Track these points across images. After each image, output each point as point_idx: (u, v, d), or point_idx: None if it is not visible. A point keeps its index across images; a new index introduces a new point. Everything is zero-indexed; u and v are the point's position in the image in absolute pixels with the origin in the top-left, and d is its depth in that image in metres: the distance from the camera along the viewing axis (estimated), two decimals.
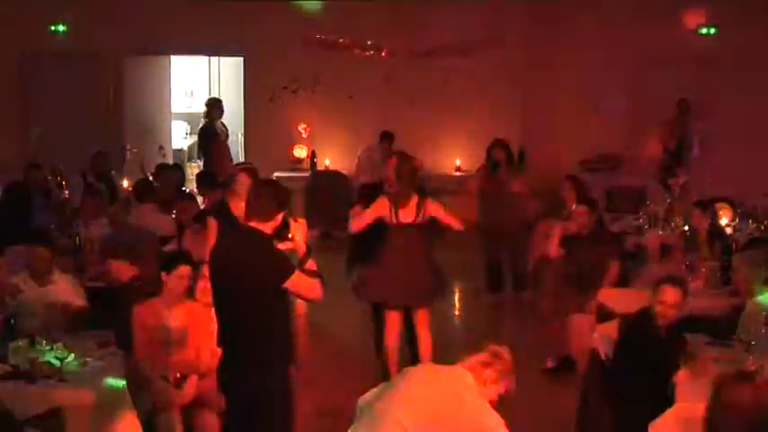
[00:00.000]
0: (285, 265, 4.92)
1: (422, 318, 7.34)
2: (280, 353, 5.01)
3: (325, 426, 6.83)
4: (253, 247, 4.92)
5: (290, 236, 5.13)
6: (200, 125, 13.22)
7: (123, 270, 7.00)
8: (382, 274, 7.24)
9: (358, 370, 7.89)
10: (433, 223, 7.25)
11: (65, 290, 6.50)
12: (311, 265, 5.10)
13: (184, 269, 5.83)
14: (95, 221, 8.62)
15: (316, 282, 5.06)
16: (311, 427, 6.62)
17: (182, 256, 6.06)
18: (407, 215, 7.13)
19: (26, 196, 9.09)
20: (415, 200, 7.14)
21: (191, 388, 5.72)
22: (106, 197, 9.72)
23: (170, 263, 5.91)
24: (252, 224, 4.94)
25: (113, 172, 11.00)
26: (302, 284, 4.98)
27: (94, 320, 6.41)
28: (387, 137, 12.22)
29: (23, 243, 7.66)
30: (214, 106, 12.98)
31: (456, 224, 7.21)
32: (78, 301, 6.50)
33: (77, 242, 7.97)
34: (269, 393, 4.90)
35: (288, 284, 4.89)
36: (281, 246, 5.08)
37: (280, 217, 4.99)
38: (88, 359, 5.54)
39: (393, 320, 7.33)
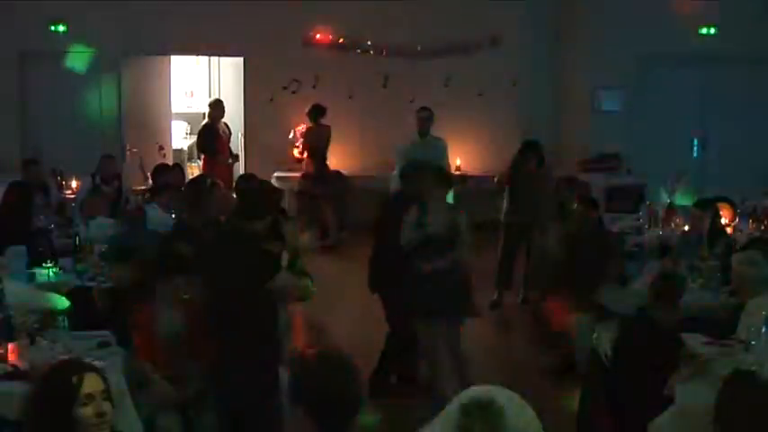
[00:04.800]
0: (273, 265, 4.93)
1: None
2: (269, 352, 5.03)
3: None
4: (241, 248, 4.93)
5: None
6: (202, 124, 13.26)
7: (123, 273, 6.99)
8: None
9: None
10: None
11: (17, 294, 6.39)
12: (301, 265, 5.12)
13: (178, 279, 5.69)
14: (95, 221, 8.63)
15: (304, 282, 5.07)
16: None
17: (175, 265, 5.84)
18: None
19: (27, 196, 9.08)
20: None
21: (193, 387, 5.71)
22: (106, 199, 9.71)
23: (164, 271, 5.78)
24: (242, 225, 4.96)
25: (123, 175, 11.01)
26: (290, 284, 4.99)
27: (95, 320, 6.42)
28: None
29: (24, 243, 7.68)
30: (215, 107, 13.03)
31: None
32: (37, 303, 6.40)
33: (77, 242, 7.96)
34: (258, 392, 4.91)
35: (275, 284, 4.90)
36: (273, 246, 5.11)
37: (270, 218, 5.01)
38: (88, 359, 5.52)
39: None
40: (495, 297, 10.00)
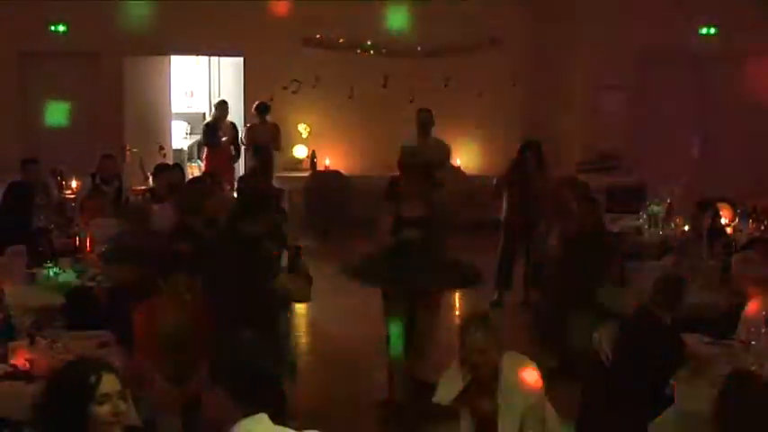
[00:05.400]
0: (273, 265, 4.95)
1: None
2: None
3: (326, 425, 6.82)
4: (241, 248, 4.94)
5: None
6: (205, 122, 13.43)
7: (124, 274, 7.01)
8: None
9: (357, 369, 7.89)
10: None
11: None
12: (301, 265, 5.13)
13: (179, 277, 5.70)
14: (95, 221, 8.63)
15: (303, 282, 5.09)
16: (312, 427, 6.60)
17: (178, 264, 5.83)
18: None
19: (28, 196, 9.08)
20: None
21: (193, 387, 5.71)
22: (106, 199, 9.70)
23: (166, 270, 5.78)
24: (242, 225, 4.97)
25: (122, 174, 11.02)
26: (289, 285, 5.00)
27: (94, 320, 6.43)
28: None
29: (24, 243, 7.68)
30: (217, 107, 13.29)
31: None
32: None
33: (77, 242, 7.96)
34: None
35: (275, 285, 4.92)
36: (273, 246, 5.12)
37: (270, 218, 5.02)
38: None
39: None
40: (495, 297, 10.00)
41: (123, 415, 3.54)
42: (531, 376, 4.76)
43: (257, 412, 3.17)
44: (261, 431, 3.26)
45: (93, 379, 3.48)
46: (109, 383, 3.51)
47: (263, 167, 12.80)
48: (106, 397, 3.49)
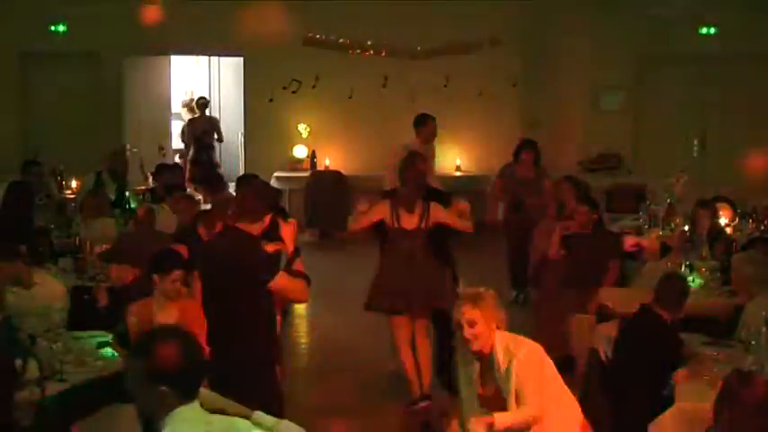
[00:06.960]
0: (270, 265, 4.94)
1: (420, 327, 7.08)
2: (265, 352, 5.03)
3: (326, 425, 6.84)
4: (239, 248, 4.93)
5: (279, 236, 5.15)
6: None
7: (124, 274, 7.00)
8: (383, 281, 7.06)
9: (358, 369, 7.89)
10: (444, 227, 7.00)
11: (49, 291, 6.45)
12: (298, 265, 5.12)
13: (177, 273, 5.69)
14: (95, 221, 8.63)
15: (301, 282, 5.08)
16: (312, 427, 6.60)
17: (175, 260, 5.85)
18: (410, 221, 6.93)
19: (27, 196, 9.09)
20: (419, 205, 6.92)
21: None
22: (106, 199, 9.70)
23: (163, 266, 5.77)
24: (239, 225, 4.96)
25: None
26: (288, 285, 5.00)
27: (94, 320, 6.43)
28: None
29: (24, 243, 7.68)
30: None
31: (464, 227, 7.03)
32: (58, 302, 6.45)
33: (77, 242, 7.96)
34: (255, 392, 4.90)
35: (273, 285, 4.91)
36: (271, 246, 5.11)
37: (267, 218, 5.01)
38: (88, 359, 5.53)
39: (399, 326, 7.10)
40: (513, 296, 9.92)
41: None
42: (521, 349, 4.79)
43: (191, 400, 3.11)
44: (193, 417, 3.13)
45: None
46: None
47: (194, 158, 13.45)
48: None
